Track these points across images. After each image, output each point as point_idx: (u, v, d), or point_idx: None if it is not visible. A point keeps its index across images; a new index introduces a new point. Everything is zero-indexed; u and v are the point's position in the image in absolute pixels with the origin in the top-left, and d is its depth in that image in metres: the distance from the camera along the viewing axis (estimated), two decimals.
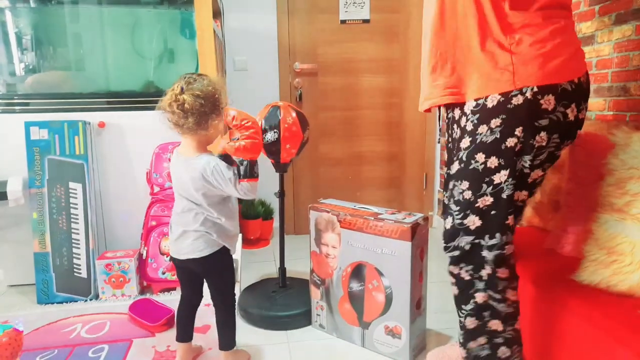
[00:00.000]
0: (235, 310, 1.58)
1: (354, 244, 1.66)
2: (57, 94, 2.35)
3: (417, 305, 1.61)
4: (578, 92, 1.20)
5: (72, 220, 2.13)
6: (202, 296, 1.56)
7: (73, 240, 2.13)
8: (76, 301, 2.10)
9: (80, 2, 2.44)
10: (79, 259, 2.13)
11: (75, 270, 2.13)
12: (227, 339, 1.53)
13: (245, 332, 1.82)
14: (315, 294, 1.83)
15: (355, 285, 1.68)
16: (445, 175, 1.47)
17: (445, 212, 1.50)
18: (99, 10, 2.46)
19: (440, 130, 1.64)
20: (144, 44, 2.51)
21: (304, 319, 1.87)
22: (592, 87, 1.81)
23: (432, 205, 3.29)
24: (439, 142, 2.32)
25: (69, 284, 2.12)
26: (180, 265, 1.49)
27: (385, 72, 3.09)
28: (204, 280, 1.53)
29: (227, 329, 1.53)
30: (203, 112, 1.33)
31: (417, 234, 1.55)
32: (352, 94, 3.09)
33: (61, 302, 2.09)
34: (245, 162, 1.37)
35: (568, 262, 1.43)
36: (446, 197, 1.44)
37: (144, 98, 2.33)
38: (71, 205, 2.13)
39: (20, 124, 2.13)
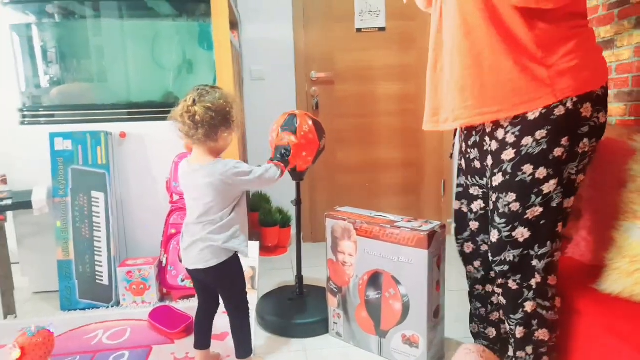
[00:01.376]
0: (250, 318, 1.59)
1: (370, 252, 1.66)
2: (80, 105, 2.41)
3: (435, 314, 1.60)
4: (605, 97, 1.24)
5: (94, 228, 2.18)
6: (218, 303, 1.57)
7: (95, 248, 2.17)
8: (98, 308, 2.14)
9: (102, 16, 2.51)
10: (101, 266, 2.17)
11: (97, 277, 2.17)
12: (243, 347, 1.54)
13: (263, 340, 1.83)
14: (332, 302, 1.83)
15: (372, 294, 1.68)
16: (464, 185, 1.48)
17: (460, 221, 1.50)
18: (120, 23, 2.52)
19: (455, 145, 1.62)
20: (164, 55, 2.56)
21: (321, 327, 1.87)
22: (612, 92, 1.78)
23: (450, 212, 3.26)
24: (451, 157, 2.29)
25: (91, 291, 2.16)
26: (192, 275, 1.51)
27: (401, 79, 3.09)
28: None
29: (242, 337, 1.53)
30: (213, 124, 1.35)
31: (434, 242, 1.54)
32: (369, 101, 3.10)
33: (84, 309, 2.13)
34: (284, 151, 1.62)
35: (589, 271, 1.41)
36: (464, 205, 1.44)
37: (163, 108, 2.37)
38: (93, 213, 2.18)
39: (45, 135, 2.20)
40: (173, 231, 2.21)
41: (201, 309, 1.57)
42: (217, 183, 1.37)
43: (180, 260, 2.15)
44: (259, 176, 1.44)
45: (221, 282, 1.49)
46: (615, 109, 1.76)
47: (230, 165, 1.39)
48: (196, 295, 1.59)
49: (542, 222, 1.21)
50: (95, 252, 2.17)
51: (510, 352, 1.36)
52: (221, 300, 1.56)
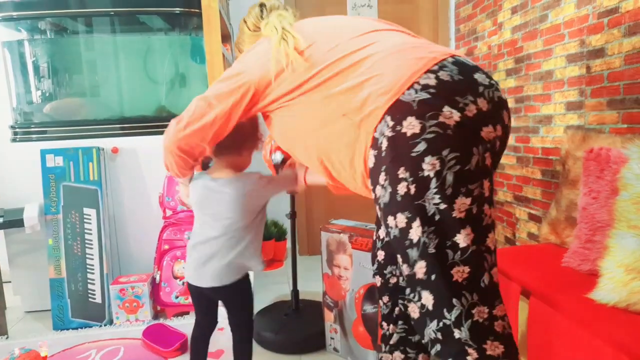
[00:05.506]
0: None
1: (366, 265, 1.64)
2: (72, 121, 2.40)
3: None
4: None
5: (86, 245, 2.16)
6: (217, 322, 1.54)
7: (87, 266, 2.15)
8: (91, 327, 2.11)
9: (94, 32, 2.51)
10: (94, 284, 2.14)
11: (90, 295, 2.14)
12: None
13: (259, 357, 1.80)
14: (329, 316, 1.81)
15: (369, 308, 1.66)
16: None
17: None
18: (112, 38, 2.52)
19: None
20: (156, 69, 2.56)
21: (317, 342, 1.84)
22: (605, 99, 1.78)
23: None
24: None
25: (84, 310, 2.13)
26: (197, 292, 1.44)
27: None
28: (222, 306, 1.50)
29: (245, 356, 1.50)
30: (242, 133, 1.32)
31: None
32: None
33: (76, 328, 2.10)
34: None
35: (585, 280, 1.39)
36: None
37: (156, 123, 2.37)
38: (85, 230, 2.16)
39: (36, 151, 2.18)
40: (166, 247, 2.18)
41: (199, 327, 1.53)
42: (243, 196, 1.34)
43: (175, 276, 2.15)
44: (277, 182, 1.45)
45: (234, 300, 1.44)
46: (608, 117, 1.76)
47: (255, 175, 1.38)
48: (193, 312, 1.55)
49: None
50: (88, 270, 2.15)
51: None
52: (219, 318, 1.53)
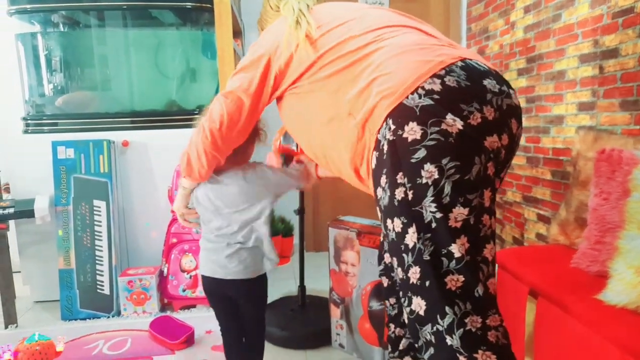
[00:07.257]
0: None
1: (373, 262, 1.64)
2: (83, 114, 2.42)
3: None
4: None
5: (96, 237, 2.17)
6: (240, 328, 1.44)
7: (96, 257, 2.17)
8: (99, 317, 2.13)
9: (106, 25, 2.53)
10: (102, 275, 2.16)
11: (98, 286, 2.16)
12: None
13: (265, 352, 1.80)
14: (335, 312, 1.81)
15: (375, 305, 1.66)
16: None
17: None
18: (124, 32, 2.54)
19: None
20: (167, 64, 2.57)
21: (323, 338, 1.84)
22: (617, 100, 1.76)
23: None
24: None
25: (92, 301, 2.15)
26: (216, 289, 1.38)
27: None
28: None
29: (257, 356, 1.48)
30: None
31: None
32: None
33: (84, 319, 2.12)
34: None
35: (594, 281, 1.38)
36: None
37: (166, 117, 2.38)
38: (95, 222, 2.18)
39: (48, 143, 2.20)
40: (174, 240, 2.20)
41: (231, 336, 1.44)
42: (245, 185, 1.33)
43: (182, 270, 2.16)
44: (288, 174, 1.41)
45: (255, 296, 1.40)
46: (620, 118, 1.75)
47: (256, 166, 1.37)
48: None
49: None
50: (97, 261, 2.17)
51: None
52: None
